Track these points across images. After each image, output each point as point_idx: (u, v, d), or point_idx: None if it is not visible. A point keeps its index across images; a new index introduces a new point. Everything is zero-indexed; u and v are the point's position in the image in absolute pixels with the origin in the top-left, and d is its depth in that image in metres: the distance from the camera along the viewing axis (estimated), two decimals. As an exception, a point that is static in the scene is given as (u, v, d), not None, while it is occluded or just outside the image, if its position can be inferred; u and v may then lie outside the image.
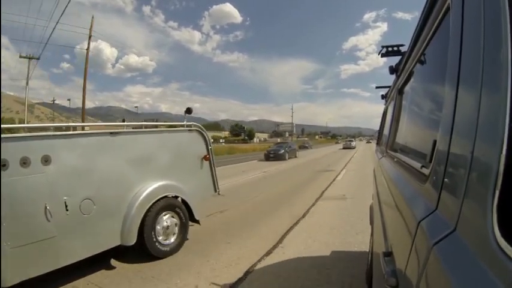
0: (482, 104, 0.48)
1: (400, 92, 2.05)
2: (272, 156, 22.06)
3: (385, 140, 2.67)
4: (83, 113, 23.97)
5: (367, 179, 8.62)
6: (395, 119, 2.13)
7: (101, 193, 3.20)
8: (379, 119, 3.93)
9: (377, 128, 4.49)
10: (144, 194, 3.58)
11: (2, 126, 2.58)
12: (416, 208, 0.81)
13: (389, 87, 3.16)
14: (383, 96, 3.72)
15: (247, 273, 3.31)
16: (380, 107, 3.98)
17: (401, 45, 2.19)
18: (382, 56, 2.25)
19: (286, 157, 22.48)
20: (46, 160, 2.80)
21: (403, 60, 1.84)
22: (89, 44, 24.20)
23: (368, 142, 65.43)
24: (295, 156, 24.71)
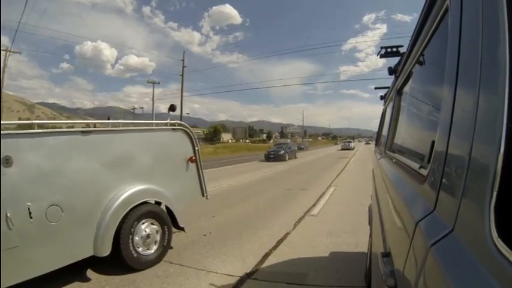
0: (480, 105, 0.48)
1: (399, 92, 2.05)
2: (272, 157, 22.01)
3: (384, 140, 2.67)
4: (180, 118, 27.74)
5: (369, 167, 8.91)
6: (394, 120, 2.13)
7: (70, 199, 2.91)
8: (378, 120, 3.93)
9: (376, 129, 4.50)
10: (120, 199, 3.28)
11: None
12: (415, 209, 0.81)
13: (388, 88, 3.16)
14: (382, 97, 3.73)
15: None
16: (379, 108, 3.98)
17: (400, 46, 2.20)
18: (381, 57, 2.25)
19: (287, 158, 22.48)
20: (7, 161, 2.53)
21: (402, 61, 1.84)
22: (183, 73, 30.50)
23: (367, 143, 65.42)
24: (295, 157, 24.72)
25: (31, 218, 2.62)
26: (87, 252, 3.05)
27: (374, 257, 1.65)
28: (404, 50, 1.82)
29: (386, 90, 3.33)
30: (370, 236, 2.46)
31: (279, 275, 3.25)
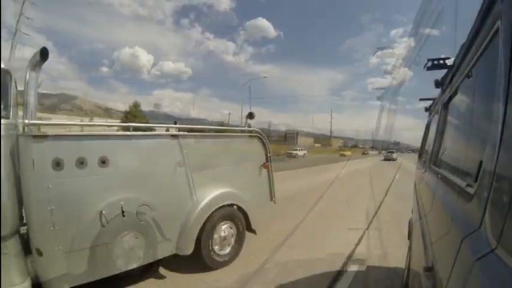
0: None
1: (445, 106, 1.99)
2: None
3: (428, 154, 2.59)
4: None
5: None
6: (440, 134, 2.07)
7: (156, 199, 3.00)
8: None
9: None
10: (205, 201, 3.39)
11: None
12: (460, 225, 0.82)
13: (434, 99, 3.06)
14: (427, 109, 3.63)
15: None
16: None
17: (447, 58, 2.13)
18: (427, 70, 2.19)
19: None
20: (103, 162, 2.65)
21: (449, 74, 1.80)
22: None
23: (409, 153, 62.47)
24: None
25: (124, 216, 2.73)
26: (170, 251, 3.16)
27: (413, 271, 1.62)
28: (452, 63, 1.78)
29: (432, 102, 3.22)
30: (410, 249, 2.39)
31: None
